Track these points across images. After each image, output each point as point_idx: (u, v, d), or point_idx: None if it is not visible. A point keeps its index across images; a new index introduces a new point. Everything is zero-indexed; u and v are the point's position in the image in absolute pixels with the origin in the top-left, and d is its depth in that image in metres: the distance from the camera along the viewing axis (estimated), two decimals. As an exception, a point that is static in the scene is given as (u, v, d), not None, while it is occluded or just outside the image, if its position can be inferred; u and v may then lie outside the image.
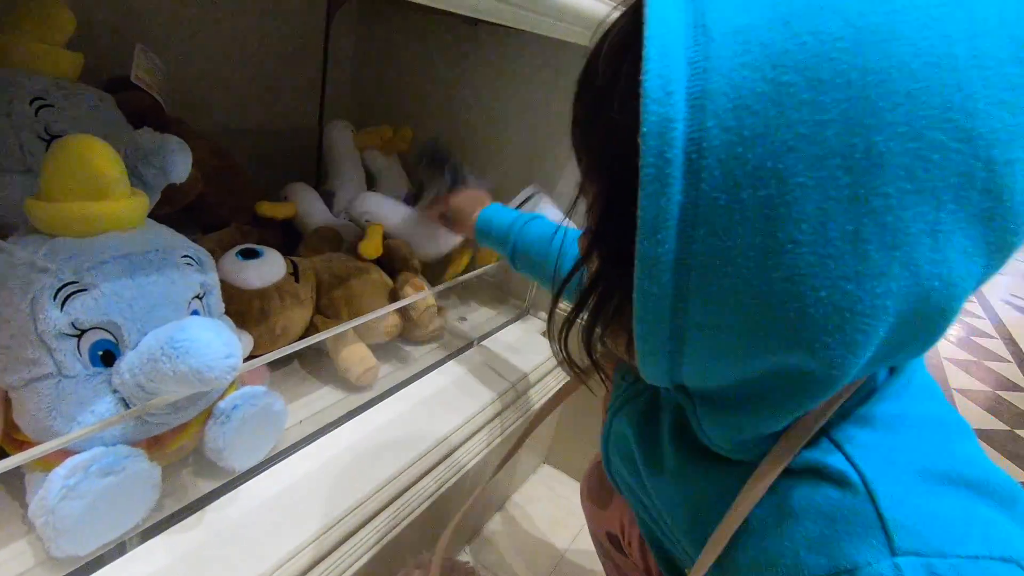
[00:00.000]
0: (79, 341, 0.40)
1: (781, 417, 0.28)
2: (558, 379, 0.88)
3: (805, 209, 0.22)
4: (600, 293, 0.30)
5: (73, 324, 0.40)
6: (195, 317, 0.43)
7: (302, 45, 1.03)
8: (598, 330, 0.32)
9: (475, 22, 0.93)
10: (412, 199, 0.91)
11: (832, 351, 0.24)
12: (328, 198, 0.92)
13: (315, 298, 0.67)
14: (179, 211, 0.68)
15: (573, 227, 0.59)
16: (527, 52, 0.89)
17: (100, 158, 0.41)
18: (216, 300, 0.50)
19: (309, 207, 0.85)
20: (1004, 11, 0.21)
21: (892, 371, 0.30)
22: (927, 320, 0.24)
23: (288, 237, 0.85)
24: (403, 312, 0.72)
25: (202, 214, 0.72)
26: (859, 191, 0.21)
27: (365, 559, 0.54)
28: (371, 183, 1.02)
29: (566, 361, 0.38)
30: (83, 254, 0.41)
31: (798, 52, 0.21)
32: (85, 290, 0.40)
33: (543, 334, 0.94)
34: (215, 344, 0.39)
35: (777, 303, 0.23)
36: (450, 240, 0.86)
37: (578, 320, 0.34)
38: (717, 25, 0.23)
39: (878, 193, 0.21)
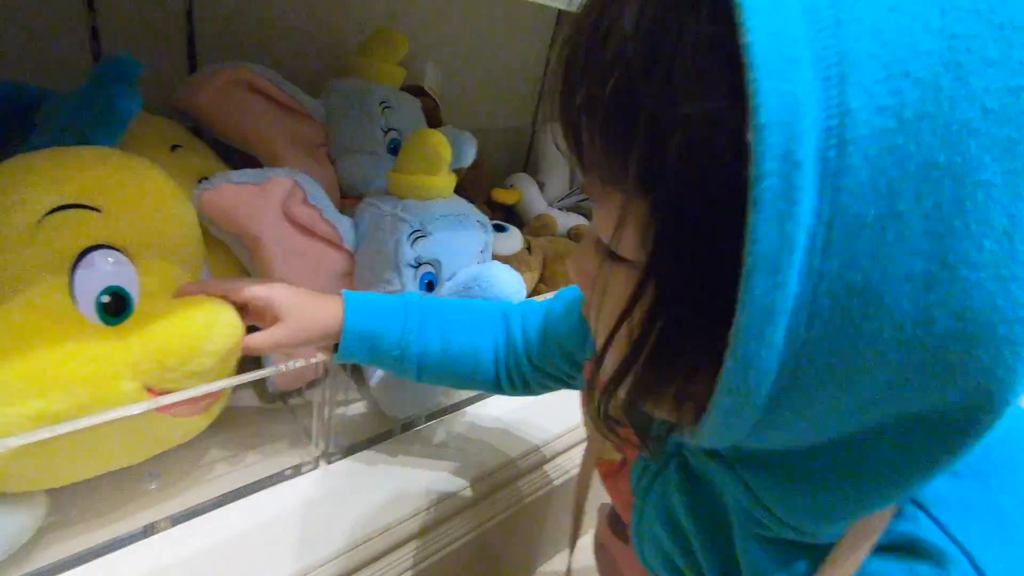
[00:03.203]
0: (416, 271, 0.58)
1: (891, 488, 0.21)
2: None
3: (990, 218, 0.16)
4: (653, 354, 0.21)
5: (416, 259, 0.58)
6: (495, 262, 0.59)
7: (528, 56, 1.21)
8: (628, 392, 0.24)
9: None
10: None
11: (1003, 393, 0.18)
12: (540, 187, 1.09)
13: (541, 269, 0.83)
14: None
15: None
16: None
17: (442, 146, 0.59)
18: (489, 256, 0.66)
19: (530, 195, 1.02)
20: None
21: None
22: None
23: (508, 217, 1.03)
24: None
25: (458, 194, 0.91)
26: None
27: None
28: (573, 176, 1.17)
29: (606, 424, 0.28)
30: (424, 212, 0.59)
31: None
32: (425, 236, 0.58)
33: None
34: (511, 281, 0.55)
35: (936, 346, 0.17)
36: None
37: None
38: None
39: None
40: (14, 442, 0.35)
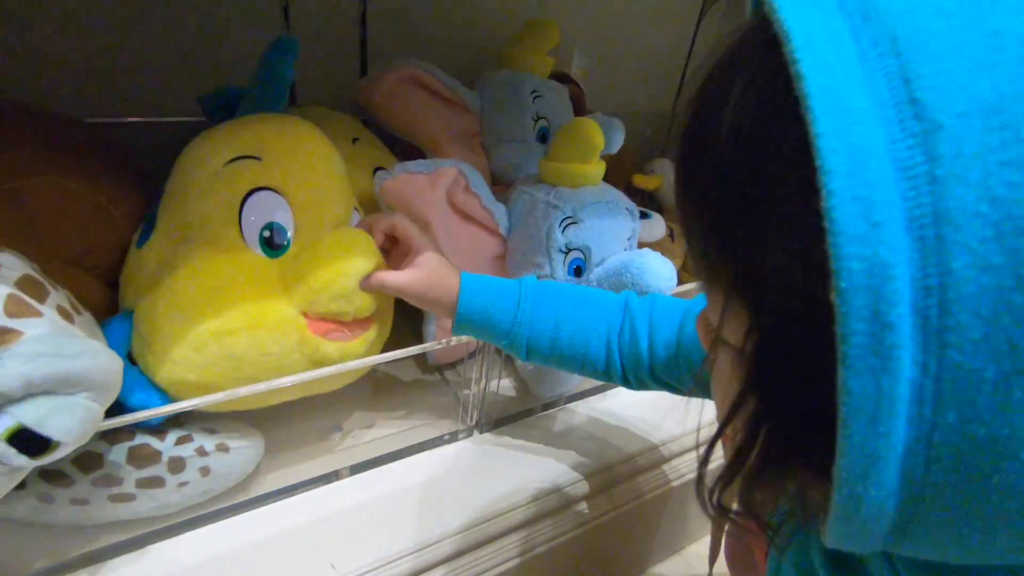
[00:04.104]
0: (566, 257, 0.60)
1: None
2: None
3: None
4: (761, 456, 0.21)
5: (566, 244, 0.60)
6: (647, 249, 0.59)
7: (673, 40, 1.17)
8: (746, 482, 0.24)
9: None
10: None
11: None
12: (680, 175, 1.06)
13: (684, 257, 0.81)
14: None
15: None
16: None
17: (596, 135, 0.59)
18: (636, 243, 0.67)
19: (671, 180, 0.99)
20: None
21: None
22: None
23: (647, 202, 1.01)
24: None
25: (597, 180, 0.92)
26: None
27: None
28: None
29: (722, 516, 0.27)
30: (576, 199, 0.60)
31: None
32: (576, 223, 0.59)
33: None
34: (664, 269, 0.55)
35: None
36: None
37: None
38: (941, 100, 0.15)
39: None
40: (244, 391, 0.43)
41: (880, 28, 0.16)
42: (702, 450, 0.26)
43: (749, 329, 0.20)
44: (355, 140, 0.64)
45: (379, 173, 0.56)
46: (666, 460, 0.66)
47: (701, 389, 0.47)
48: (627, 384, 0.51)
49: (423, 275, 0.47)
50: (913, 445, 0.17)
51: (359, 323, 0.48)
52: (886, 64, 0.16)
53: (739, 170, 0.19)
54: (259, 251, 0.45)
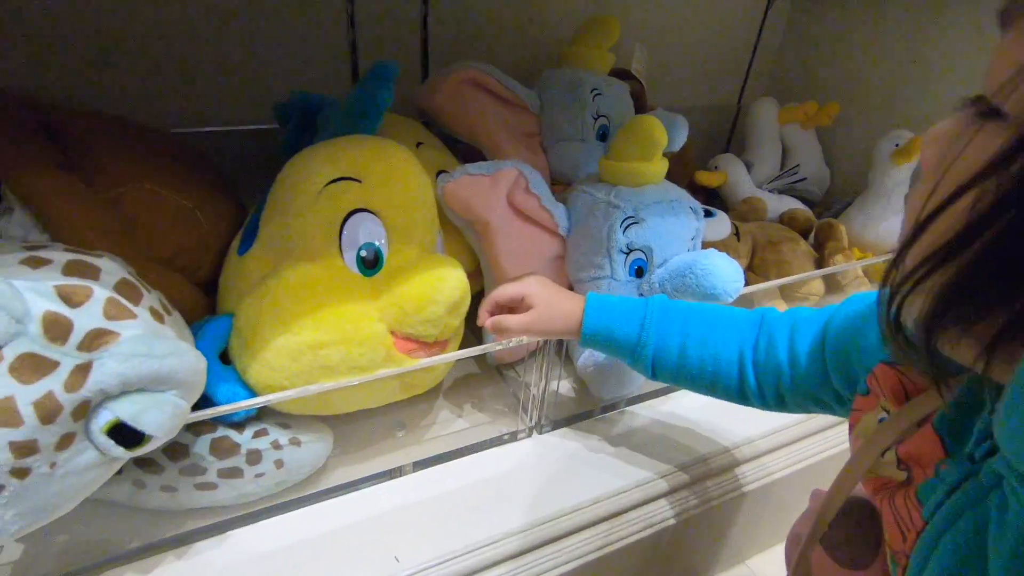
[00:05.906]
0: (627, 257, 0.59)
1: None
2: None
3: None
4: (983, 253, 0.19)
5: (627, 245, 0.59)
6: (712, 250, 0.58)
7: (738, 32, 1.12)
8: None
9: None
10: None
11: None
12: (747, 168, 1.02)
13: (750, 257, 0.78)
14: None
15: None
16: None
17: (659, 132, 0.58)
18: (700, 243, 0.65)
19: (737, 177, 0.96)
20: None
21: None
22: None
23: (710, 200, 0.98)
24: (829, 280, 0.77)
25: (659, 177, 0.90)
26: None
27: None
28: (784, 156, 1.07)
29: (897, 339, 0.25)
30: (636, 198, 0.59)
31: None
32: (638, 223, 0.58)
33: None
34: (731, 270, 0.53)
35: None
36: None
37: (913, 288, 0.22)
38: None
39: None
40: (315, 389, 0.45)
41: None
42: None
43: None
44: (419, 144, 0.65)
45: (441, 176, 0.57)
46: (737, 464, 0.63)
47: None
48: (764, 403, 0.47)
49: (540, 314, 0.50)
50: None
51: (439, 343, 0.50)
52: None
53: None
54: (355, 269, 0.48)
